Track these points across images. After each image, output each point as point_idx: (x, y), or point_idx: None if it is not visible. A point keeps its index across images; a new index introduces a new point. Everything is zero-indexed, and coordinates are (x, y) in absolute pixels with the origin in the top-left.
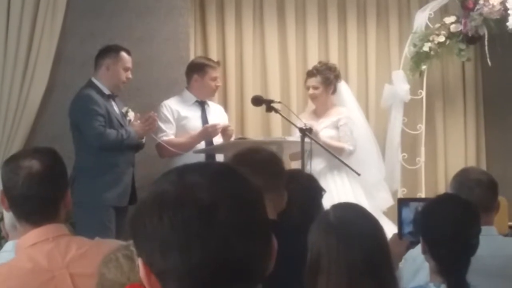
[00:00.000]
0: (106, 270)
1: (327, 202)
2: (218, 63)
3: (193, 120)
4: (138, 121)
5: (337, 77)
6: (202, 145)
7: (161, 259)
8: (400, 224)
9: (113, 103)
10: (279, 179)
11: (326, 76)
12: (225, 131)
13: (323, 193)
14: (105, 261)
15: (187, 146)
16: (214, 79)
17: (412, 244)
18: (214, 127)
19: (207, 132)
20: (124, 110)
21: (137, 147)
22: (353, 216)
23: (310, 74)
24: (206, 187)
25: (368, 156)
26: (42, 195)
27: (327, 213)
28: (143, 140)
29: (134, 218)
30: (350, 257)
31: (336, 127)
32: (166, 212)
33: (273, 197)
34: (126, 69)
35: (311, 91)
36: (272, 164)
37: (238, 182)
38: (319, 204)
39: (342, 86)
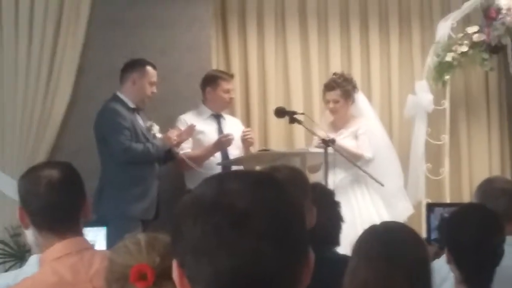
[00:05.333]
0: (115, 255)
1: (348, 214)
2: (232, 75)
3: (209, 134)
4: (176, 131)
5: (355, 88)
6: (218, 158)
7: (192, 262)
8: (429, 229)
9: (138, 117)
10: (304, 196)
11: (346, 89)
12: (244, 138)
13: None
14: (114, 249)
15: (202, 159)
16: (227, 91)
17: (441, 250)
18: (226, 136)
19: (221, 143)
20: (148, 124)
21: (169, 158)
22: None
23: (329, 87)
24: (243, 195)
25: (387, 165)
26: (64, 203)
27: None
28: (178, 150)
29: (173, 219)
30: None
31: (355, 136)
32: (200, 216)
33: None
34: (152, 84)
35: (331, 105)
36: (296, 181)
37: (277, 193)
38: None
39: (359, 96)
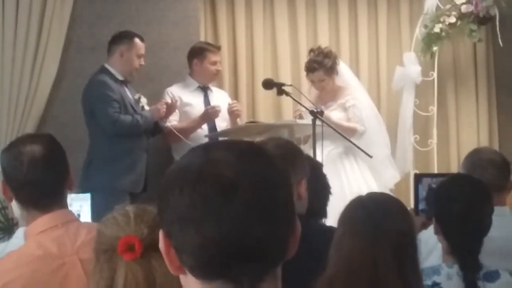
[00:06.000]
0: (103, 227)
1: (336, 186)
2: (219, 47)
3: (196, 106)
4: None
5: (336, 60)
6: (205, 130)
7: (179, 232)
8: (416, 200)
9: (126, 89)
10: (294, 168)
11: (328, 66)
12: (231, 110)
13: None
14: (103, 221)
15: (189, 130)
16: (214, 63)
17: (428, 220)
18: (214, 108)
19: (208, 114)
20: (136, 96)
21: (157, 130)
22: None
23: (312, 69)
24: (231, 165)
25: (375, 133)
26: (48, 179)
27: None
28: (167, 124)
29: (159, 190)
30: (378, 247)
31: (344, 108)
32: (187, 185)
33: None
34: (139, 56)
35: (317, 84)
36: (286, 153)
37: (264, 163)
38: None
39: (341, 66)
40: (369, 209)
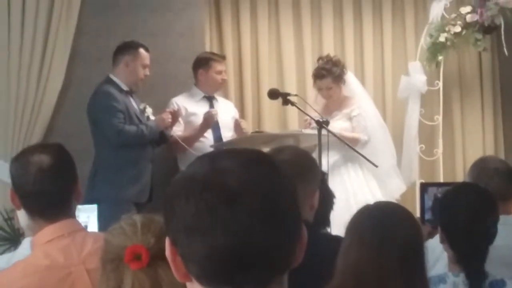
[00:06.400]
0: (110, 236)
1: (342, 195)
2: (224, 57)
3: (201, 116)
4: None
5: (344, 69)
6: (211, 140)
7: (185, 241)
8: (422, 209)
9: (131, 99)
10: (306, 178)
11: (336, 74)
12: (236, 126)
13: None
14: (110, 230)
15: (192, 139)
16: (219, 72)
17: (434, 229)
18: (209, 112)
19: (205, 120)
20: (141, 106)
21: (162, 140)
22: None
23: (320, 76)
24: (235, 173)
25: (380, 144)
26: (55, 190)
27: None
28: (170, 132)
29: (165, 198)
30: (386, 255)
31: (349, 118)
32: (193, 194)
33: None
34: (144, 66)
35: (324, 92)
36: (299, 163)
37: (269, 171)
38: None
39: (348, 75)
40: (377, 218)
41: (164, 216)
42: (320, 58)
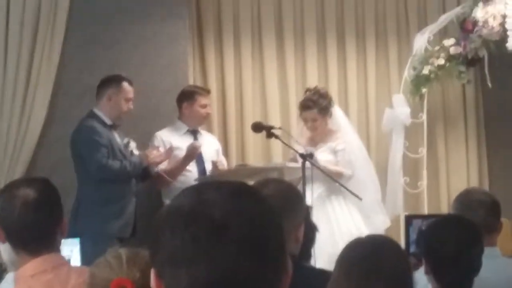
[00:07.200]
0: (96, 269)
1: (326, 227)
2: (208, 91)
3: (185, 150)
4: (155, 151)
5: (331, 102)
6: (195, 173)
7: (170, 272)
8: (408, 242)
9: (115, 133)
10: (292, 212)
11: (322, 106)
12: (214, 167)
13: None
14: (95, 263)
15: (176, 171)
16: (204, 106)
17: (419, 262)
18: (192, 145)
19: (188, 152)
20: (125, 141)
21: (146, 176)
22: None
23: (306, 107)
24: (220, 205)
25: (365, 178)
26: (39, 224)
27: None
28: (156, 169)
29: (152, 230)
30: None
31: (334, 151)
32: (178, 226)
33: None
34: (127, 100)
35: (309, 124)
36: (284, 196)
37: (255, 203)
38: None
39: (335, 109)
40: (365, 250)
41: (150, 248)
42: (308, 90)
